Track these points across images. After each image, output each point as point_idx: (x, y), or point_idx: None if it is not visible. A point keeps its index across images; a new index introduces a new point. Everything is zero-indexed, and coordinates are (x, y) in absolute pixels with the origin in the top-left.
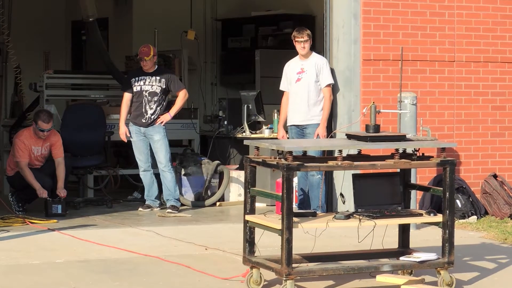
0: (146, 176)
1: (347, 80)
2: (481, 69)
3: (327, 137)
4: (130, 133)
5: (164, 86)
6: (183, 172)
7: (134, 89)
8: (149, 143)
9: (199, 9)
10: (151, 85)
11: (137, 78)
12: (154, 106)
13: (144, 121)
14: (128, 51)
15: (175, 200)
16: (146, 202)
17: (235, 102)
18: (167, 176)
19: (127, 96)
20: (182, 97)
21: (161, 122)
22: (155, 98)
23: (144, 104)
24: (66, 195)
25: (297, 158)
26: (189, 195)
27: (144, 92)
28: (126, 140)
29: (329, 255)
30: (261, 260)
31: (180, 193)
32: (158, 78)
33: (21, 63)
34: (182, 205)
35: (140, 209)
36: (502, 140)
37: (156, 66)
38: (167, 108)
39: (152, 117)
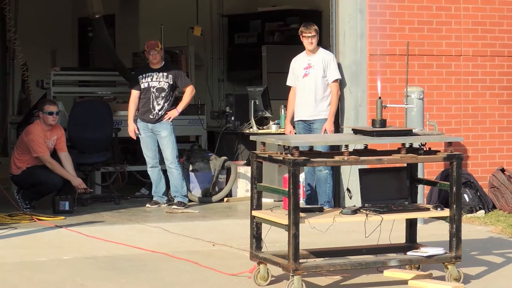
0: (153, 172)
1: (353, 75)
2: (488, 63)
3: (334, 133)
4: (138, 130)
5: (171, 82)
6: (190, 168)
7: (142, 86)
8: (157, 140)
9: (205, 5)
10: (158, 81)
11: (144, 75)
12: (161, 102)
13: (151, 117)
14: (135, 48)
15: (182, 196)
16: (154, 199)
17: (242, 97)
18: (174, 173)
19: (135, 93)
20: (189, 92)
21: (169, 118)
22: (163, 94)
23: (151, 100)
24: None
25: (303, 153)
26: (196, 191)
27: (151, 88)
28: (135, 137)
29: (336, 250)
30: (268, 256)
31: (188, 189)
32: (165, 74)
33: (28, 61)
34: (190, 201)
35: (147, 205)
36: (510, 134)
37: (163, 62)
38: (174, 104)
39: (160, 113)
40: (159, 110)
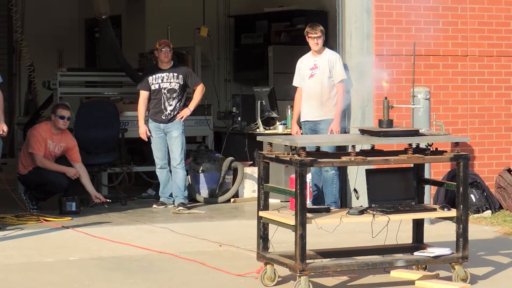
0: (162, 173)
1: (360, 75)
2: (494, 63)
3: (341, 133)
4: (150, 131)
5: (182, 82)
6: (197, 169)
7: (152, 87)
8: (166, 142)
9: (211, 5)
10: (169, 82)
11: (154, 76)
12: (173, 103)
13: (164, 117)
14: (141, 48)
15: (184, 197)
16: (161, 199)
17: (249, 98)
18: (180, 173)
19: (144, 95)
20: (199, 91)
21: (181, 118)
22: (174, 95)
23: (163, 101)
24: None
25: (310, 153)
26: (203, 192)
27: (162, 90)
28: (146, 139)
29: (343, 251)
30: (275, 256)
31: (195, 189)
32: (175, 74)
33: (35, 61)
34: (196, 201)
35: (154, 206)
36: None
37: (172, 62)
38: (185, 103)
39: (172, 113)
40: (172, 111)
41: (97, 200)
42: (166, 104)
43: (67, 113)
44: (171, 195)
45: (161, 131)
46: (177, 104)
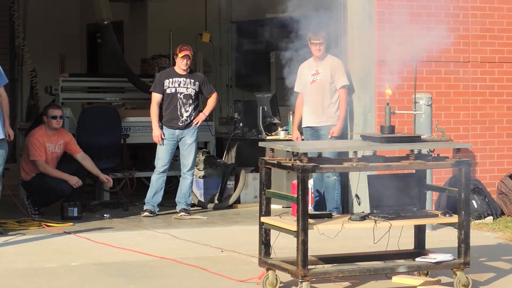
0: (159, 180)
1: (362, 81)
2: (496, 69)
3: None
4: (164, 135)
5: (197, 89)
6: (199, 175)
7: (168, 91)
8: (174, 149)
9: (214, 11)
10: (186, 87)
11: (171, 80)
12: (189, 109)
13: (180, 124)
14: (143, 54)
15: (187, 204)
16: (148, 207)
17: (251, 104)
18: (188, 180)
19: (157, 97)
20: (214, 99)
21: (197, 123)
22: (190, 101)
23: (179, 107)
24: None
25: (312, 159)
26: (204, 198)
27: (178, 94)
28: (161, 143)
29: (345, 257)
30: (277, 262)
31: (196, 195)
32: (192, 80)
33: (37, 67)
34: (196, 206)
35: (144, 214)
36: None
37: (189, 69)
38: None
39: (188, 119)
40: (188, 117)
41: (105, 180)
42: (182, 110)
43: (58, 112)
44: (159, 205)
45: (174, 138)
46: (193, 111)
